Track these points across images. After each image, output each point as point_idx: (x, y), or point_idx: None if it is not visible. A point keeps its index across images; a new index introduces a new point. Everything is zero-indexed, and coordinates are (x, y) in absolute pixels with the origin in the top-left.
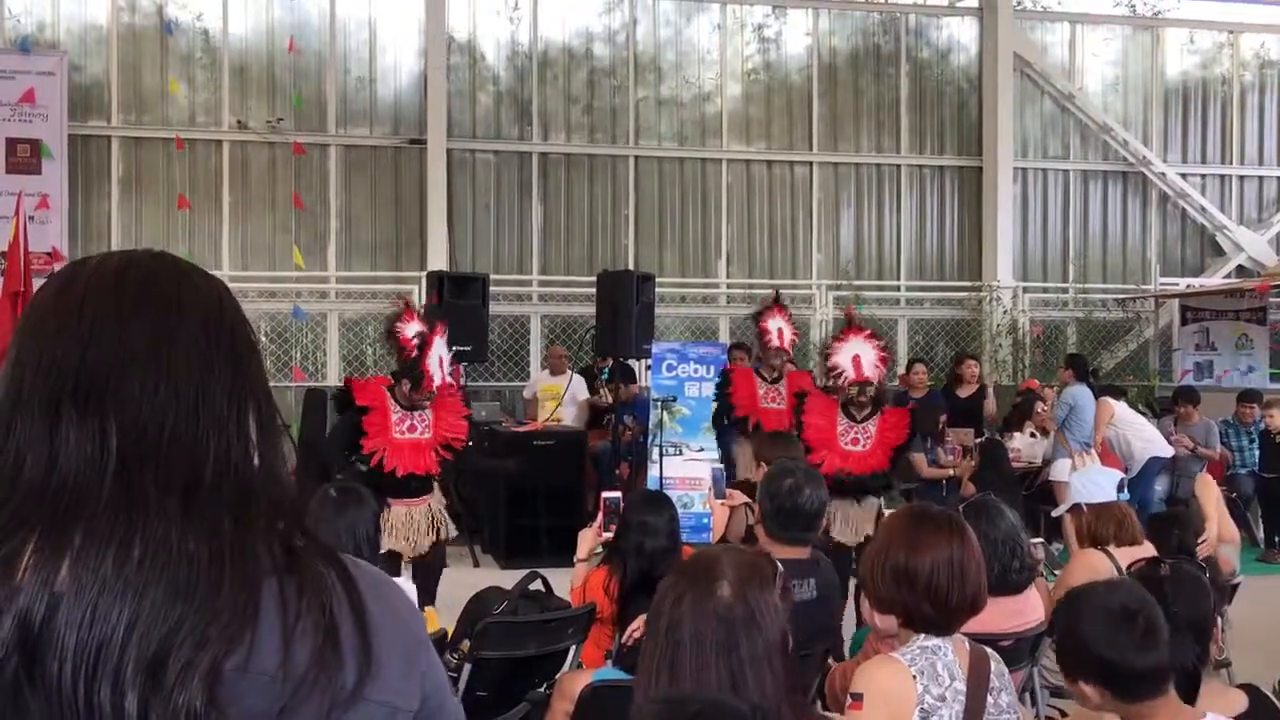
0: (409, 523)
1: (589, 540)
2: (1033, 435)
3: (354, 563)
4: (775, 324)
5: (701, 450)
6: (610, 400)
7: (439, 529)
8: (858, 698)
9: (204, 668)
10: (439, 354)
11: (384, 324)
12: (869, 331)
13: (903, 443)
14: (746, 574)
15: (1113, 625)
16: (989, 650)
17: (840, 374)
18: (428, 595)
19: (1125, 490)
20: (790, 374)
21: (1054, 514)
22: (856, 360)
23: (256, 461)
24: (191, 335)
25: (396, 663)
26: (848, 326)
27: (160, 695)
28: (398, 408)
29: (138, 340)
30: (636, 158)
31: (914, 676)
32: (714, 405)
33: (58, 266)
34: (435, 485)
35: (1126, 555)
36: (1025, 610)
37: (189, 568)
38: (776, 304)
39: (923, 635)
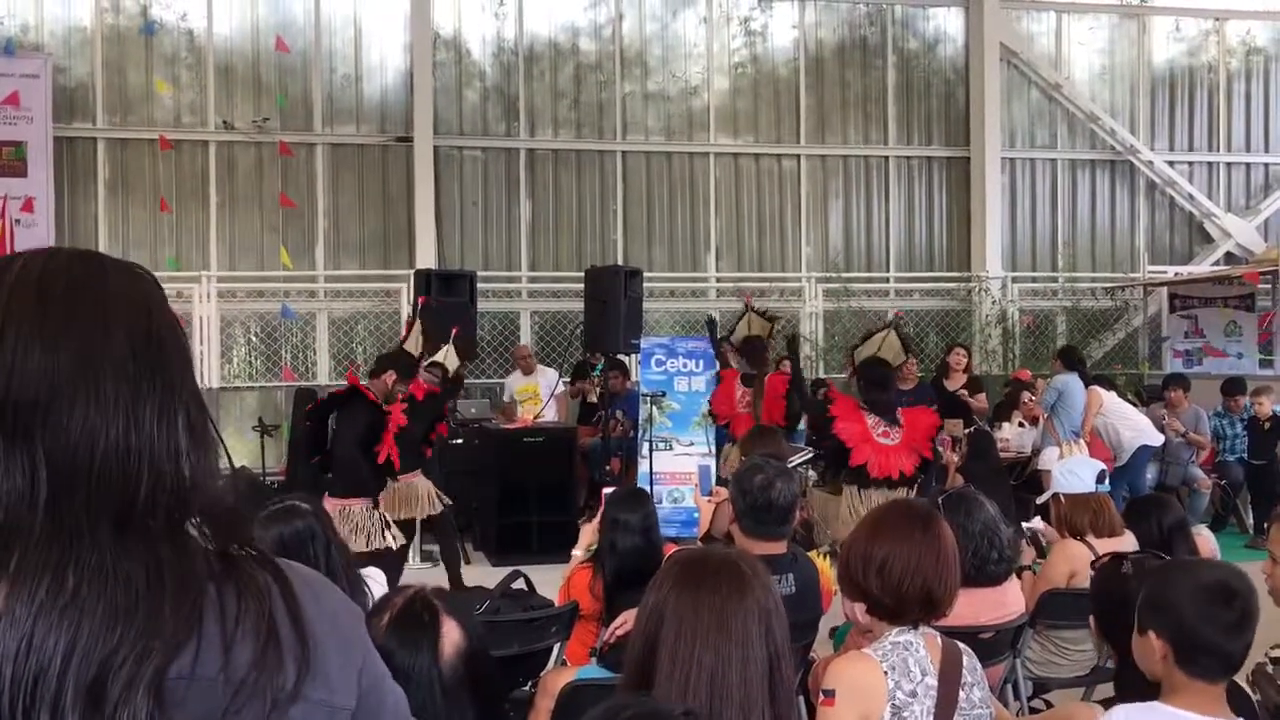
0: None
1: (588, 535)
2: (1021, 425)
3: (288, 565)
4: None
5: (692, 445)
6: (596, 396)
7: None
8: (829, 694)
9: (146, 681)
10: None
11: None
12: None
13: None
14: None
15: (1210, 600)
16: (961, 645)
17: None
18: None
19: (1105, 482)
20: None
21: (1038, 502)
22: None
23: (188, 472)
24: (119, 356)
25: (333, 661)
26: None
27: (102, 717)
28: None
29: (63, 366)
30: (624, 153)
31: (885, 672)
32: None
33: None
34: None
35: (1106, 546)
36: (1005, 601)
37: (126, 591)
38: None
39: (895, 631)
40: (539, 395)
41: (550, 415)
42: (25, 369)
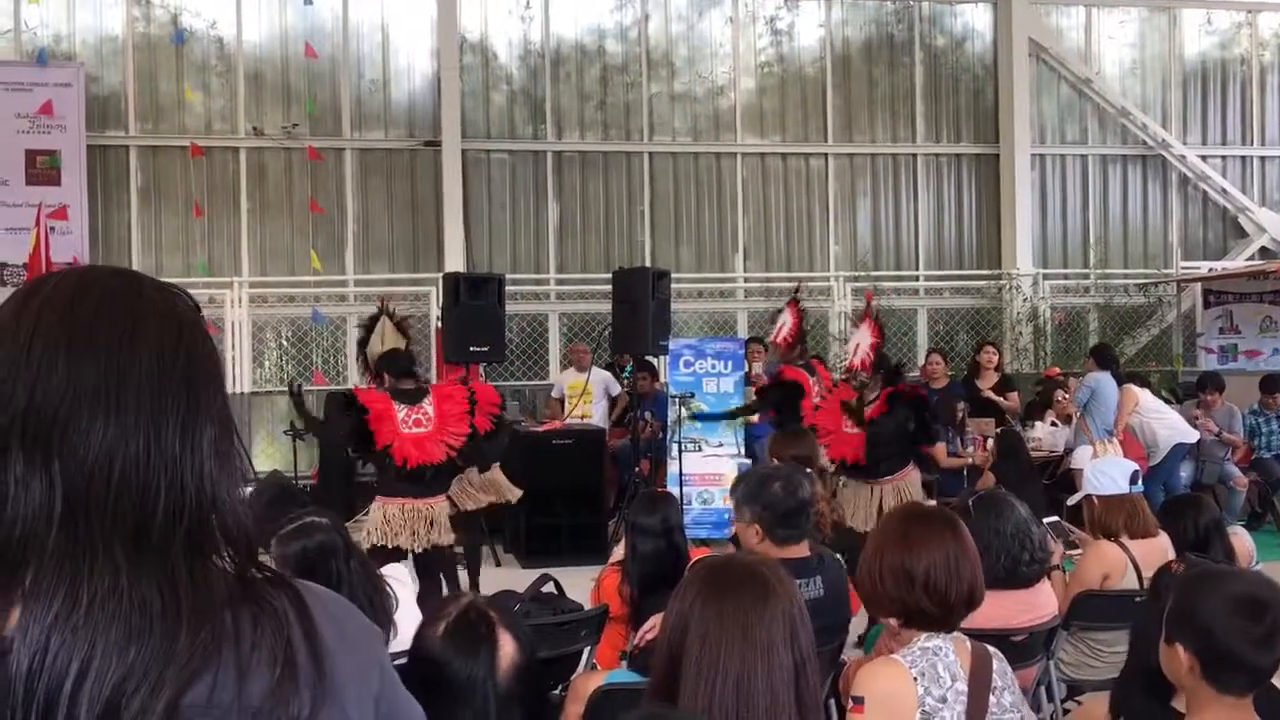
0: (406, 519)
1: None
2: (1053, 424)
3: (307, 588)
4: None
5: (721, 445)
6: (627, 395)
7: (439, 530)
8: (859, 701)
9: (160, 711)
10: None
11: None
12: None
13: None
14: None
15: (1238, 613)
16: (991, 649)
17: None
18: (451, 583)
19: (1139, 482)
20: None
21: (1068, 503)
22: (856, 348)
23: (210, 493)
24: (143, 371)
25: (350, 688)
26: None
27: None
28: (401, 405)
29: (87, 379)
30: (651, 154)
31: (914, 678)
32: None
33: None
34: (445, 493)
35: (1140, 547)
36: (1037, 604)
37: (141, 613)
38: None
39: (924, 636)
40: (591, 393)
41: (599, 415)
42: (49, 379)
